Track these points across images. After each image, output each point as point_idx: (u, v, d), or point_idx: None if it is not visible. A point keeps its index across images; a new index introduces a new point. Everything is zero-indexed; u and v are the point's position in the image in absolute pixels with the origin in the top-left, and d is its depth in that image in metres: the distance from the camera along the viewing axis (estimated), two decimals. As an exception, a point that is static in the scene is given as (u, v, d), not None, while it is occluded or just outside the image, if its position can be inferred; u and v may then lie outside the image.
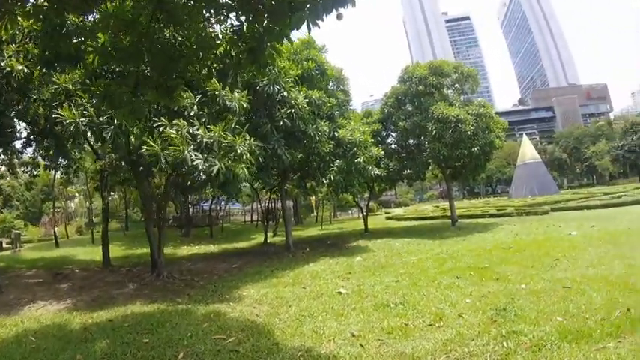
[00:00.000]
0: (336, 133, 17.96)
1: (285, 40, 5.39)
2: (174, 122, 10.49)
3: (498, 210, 33.29)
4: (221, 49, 5.56)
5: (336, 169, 17.66)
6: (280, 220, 55.03)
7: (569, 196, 41.28)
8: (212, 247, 24.13)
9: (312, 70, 18.32)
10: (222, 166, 10.32)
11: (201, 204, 44.51)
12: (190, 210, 41.89)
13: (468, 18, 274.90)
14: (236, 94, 12.18)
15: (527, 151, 56.70)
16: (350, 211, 59.57)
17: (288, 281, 12.07)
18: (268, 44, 5.28)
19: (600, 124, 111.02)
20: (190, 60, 5.73)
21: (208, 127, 10.82)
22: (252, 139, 11.98)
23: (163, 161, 10.16)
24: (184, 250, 22.97)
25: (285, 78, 15.61)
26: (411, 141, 25.52)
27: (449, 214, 27.66)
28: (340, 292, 9.79)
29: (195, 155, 10.18)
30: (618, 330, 5.94)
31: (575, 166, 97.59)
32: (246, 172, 11.75)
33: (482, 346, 5.75)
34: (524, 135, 67.06)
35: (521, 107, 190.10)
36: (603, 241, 14.17)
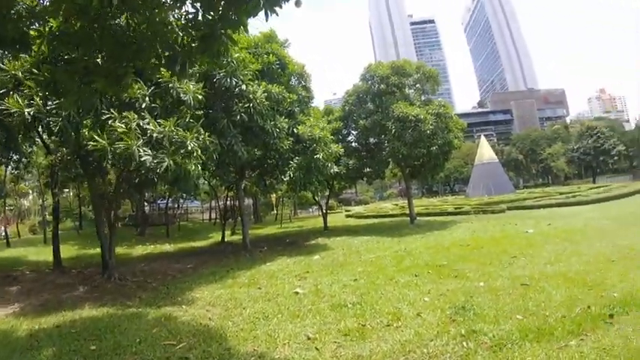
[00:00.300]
0: (295, 130, 17.67)
1: (243, 31, 5.13)
2: (124, 115, 9.93)
3: (456, 208, 33.88)
4: (173, 35, 5.26)
5: (295, 165, 17.40)
6: (239, 218, 54.93)
7: (526, 195, 42.46)
8: (168, 247, 23.55)
9: (273, 64, 17.92)
10: (172, 162, 9.89)
11: (158, 202, 43.28)
12: (147, 208, 40.78)
13: (432, 21, 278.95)
14: (191, 86, 11.73)
15: (485, 151, 57.93)
16: (310, 209, 59.49)
17: (243, 282, 11.80)
18: (222, 32, 5.05)
19: (557, 127, 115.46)
20: (141, 47, 5.41)
21: (159, 120, 10.33)
22: (206, 134, 11.61)
23: (110, 156, 9.60)
24: (139, 250, 22.30)
25: (244, 71, 15.16)
26: (371, 139, 25.57)
27: (408, 212, 27.85)
28: (297, 293, 9.63)
29: (144, 151, 9.66)
30: (580, 328, 6.01)
31: (531, 167, 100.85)
32: (199, 169, 11.30)
33: (441, 347, 5.70)
34: (482, 136, 68.51)
35: (480, 110, 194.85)
36: (560, 239, 14.56)
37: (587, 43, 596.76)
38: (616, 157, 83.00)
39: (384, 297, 8.59)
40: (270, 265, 14.52)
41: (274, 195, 40.68)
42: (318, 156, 17.26)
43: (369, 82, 24.91)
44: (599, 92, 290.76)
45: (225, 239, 24.74)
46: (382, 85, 24.32)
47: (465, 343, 5.70)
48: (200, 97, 11.94)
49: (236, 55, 14.78)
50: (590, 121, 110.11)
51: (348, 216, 42.61)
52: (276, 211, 48.56)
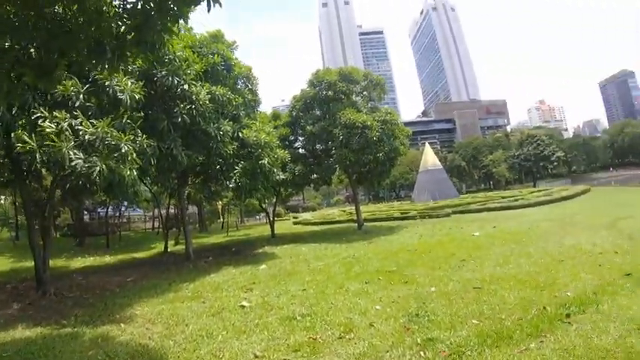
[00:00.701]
0: (240, 134, 16.96)
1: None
2: (55, 114, 9.01)
3: (402, 213, 34.03)
4: (106, 24, 4.79)
5: (239, 171, 16.70)
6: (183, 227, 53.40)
7: (470, 199, 43.22)
8: (108, 258, 22.10)
9: (218, 65, 17.11)
10: (104, 167, 9.02)
11: (98, 210, 41.18)
12: (87, 217, 38.77)
13: (381, 32, 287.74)
14: (129, 83, 10.88)
15: (429, 158, 58.98)
16: (257, 216, 58.70)
17: (186, 295, 10.96)
18: (159, 22, 4.63)
19: (498, 135, 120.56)
20: (75, 37, 4.94)
21: (92, 121, 9.43)
22: (144, 136, 10.81)
23: (40, 160, 8.68)
24: (77, 262, 20.70)
25: (187, 70, 14.26)
26: (318, 146, 25.24)
27: (355, 217, 27.68)
28: (243, 306, 8.98)
29: (75, 154, 8.77)
30: (538, 330, 5.89)
31: (473, 173, 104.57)
32: (135, 174, 10.36)
33: (397, 358, 5.38)
34: (426, 143, 69.74)
35: (424, 119, 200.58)
36: (506, 241, 14.69)
37: (529, 57, 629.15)
38: (555, 163, 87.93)
39: (335, 307, 8.16)
40: (215, 276, 13.70)
41: (220, 202, 39.63)
42: (263, 161, 16.66)
43: (317, 88, 24.61)
44: (539, 103, 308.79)
45: (169, 249, 23.57)
46: (330, 92, 24.13)
47: (422, 353, 5.41)
48: (138, 96, 10.95)
49: (179, 53, 13.93)
50: (530, 130, 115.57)
51: (295, 223, 42.23)
52: (223, 219, 47.43)
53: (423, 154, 63.15)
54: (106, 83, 10.44)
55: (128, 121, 10.55)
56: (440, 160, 65.60)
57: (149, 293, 11.54)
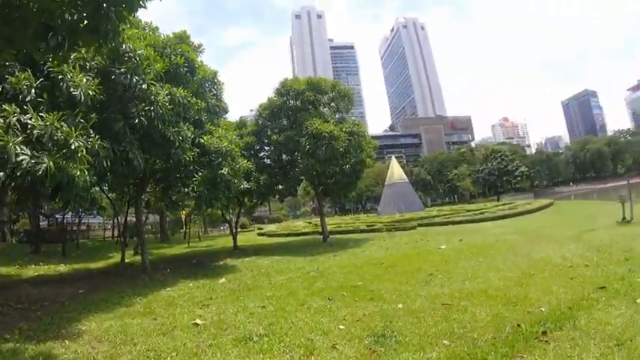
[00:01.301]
0: (201, 140, 16.02)
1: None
2: (4, 107, 8.19)
3: (368, 226, 33.74)
4: (58, 10, 4.44)
5: (199, 179, 15.82)
6: (147, 236, 51.85)
7: (435, 212, 43.23)
8: (62, 268, 20.87)
9: (181, 66, 16.07)
10: (52, 164, 8.16)
11: (56, 216, 39.35)
12: (45, 223, 36.97)
13: (352, 47, 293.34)
14: (85, 80, 10.04)
15: (395, 171, 59.17)
16: (222, 227, 57.57)
17: (138, 311, 10.06)
18: (112, 9, 4.30)
19: (463, 150, 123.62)
20: (23, 23, 4.66)
21: (42, 114, 8.61)
22: (97, 136, 9.97)
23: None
24: (30, 271, 19.42)
25: (148, 69, 13.21)
26: (284, 156, 24.59)
27: (321, 229, 27.05)
28: (196, 324, 8.20)
29: (22, 150, 7.89)
30: (514, 350, 5.49)
31: (438, 187, 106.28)
32: (86, 176, 9.42)
33: (361, 388, 4.70)
34: (392, 157, 70.12)
35: (391, 133, 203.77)
36: (474, 254, 14.31)
37: (494, 76, 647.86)
38: (519, 178, 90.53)
39: (295, 326, 7.49)
40: (171, 290, 12.79)
41: (184, 212, 38.47)
42: (223, 171, 15.85)
43: (285, 97, 24.03)
44: (503, 120, 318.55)
45: (127, 260, 22.26)
46: (297, 101, 23.68)
47: (388, 381, 4.77)
48: (93, 93, 10.07)
49: (140, 52, 12.95)
50: (494, 145, 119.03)
51: (260, 234, 41.63)
52: (186, 229, 46.13)
53: (389, 167, 63.33)
54: (60, 77, 9.62)
55: (81, 120, 9.67)
56: (406, 174, 66.00)
57: (99, 307, 10.60)
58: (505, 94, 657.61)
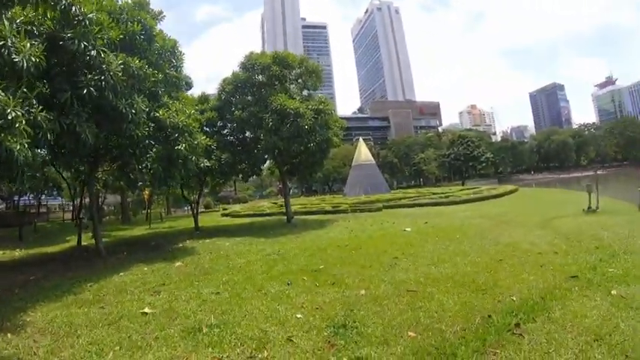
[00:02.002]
0: (156, 114, 14.73)
1: None
2: None
3: (334, 207, 33.15)
4: None
5: (153, 156, 14.78)
6: (107, 218, 50.23)
7: (401, 195, 43.01)
8: (17, 253, 19.76)
9: (138, 34, 14.71)
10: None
11: (14, 198, 37.51)
12: (3, 206, 35.17)
13: (324, 27, 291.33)
14: (28, 45, 8.98)
15: (363, 153, 58.81)
16: (186, 207, 56.08)
17: (86, 298, 9.21)
18: None
19: (430, 135, 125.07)
20: None
21: None
22: (40, 107, 8.97)
23: None
24: (-17, 257, 18.26)
25: (99, 35, 11.88)
26: (248, 133, 23.62)
27: (285, 210, 26.41)
28: (145, 313, 7.48)
29: None
30: (485, 344, 5.06)
31: (405, 170, 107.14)
32: (27, 150, 8.37)
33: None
34: (360, 138, 69.86)
35: (360, 115, 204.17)
36: (440, 238, 13.89)
37: (465, 64, 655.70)
38: (484, 164, 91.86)
39: (250, 315, 6.86)
40: (124, 275, 11.92)
41: (146, 192, 37.16)
42: (179, 147, 14.74)
43: (250, 72, 22.82)
44: (470, 107, 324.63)
45: (84, 243, 21.04)
46: (263, 76, 22.57)
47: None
48: (37, 60, 8.93)
49: (90, 15, 11.68)
50: (461, 131, 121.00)
51: (223, 215, 40.70)
52: (149, 209, 44.80)
53: (356, 148, 63.00)
54: (2, 43, 8.53)
55: (24, 90, 8.63)
56: (373, 156, 65.84)
57: (48, 295, 9.74)
58: (474, 82, 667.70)
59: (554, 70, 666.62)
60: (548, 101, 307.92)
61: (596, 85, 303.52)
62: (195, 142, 15.53)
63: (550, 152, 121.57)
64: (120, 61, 12.41)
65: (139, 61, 13.47)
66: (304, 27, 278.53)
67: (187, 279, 10.68)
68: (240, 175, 26.72)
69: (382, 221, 21.57)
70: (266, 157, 24.21)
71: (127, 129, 13.43)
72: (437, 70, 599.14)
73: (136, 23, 14.62)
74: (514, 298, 6.75)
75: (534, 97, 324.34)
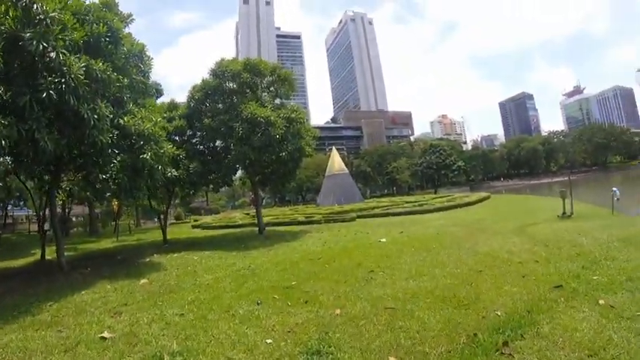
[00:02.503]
0: (121, 121, 13.92)
1: None
2: None
3: (307, 217, 32.72)
4: None
5: (118, 165, 13.89)
6: (75, 229, 48.57)
7: (375, 204, 42.77)
8: (-22, 268, 18.45)
9: (103, 36, 13.81)
10: None
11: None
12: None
13: (298, 37, 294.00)
14: None
15: (336, 162, 58.59)
16: (156, 219, 54.64)
17: (45, 320, 8.45)
18: None
19: (402, 144, 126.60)
20: None
21: None
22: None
23: None
24: (-58, 274, 17.03)
25: (61, 36, 11.10)
26: (218, 142, 22.94)
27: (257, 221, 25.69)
28: (104, 338, 6.82)
29: None
30: None
31: (378, 179, 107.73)
32: None
33: None
34: (333, 148, 69.61)
35: (333, 125, 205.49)
36: (416, 248, 13.41)
37: (436, 74, 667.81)
38: (456, 172, 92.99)
39: (216, 340, 6.25)
40: (85, 293, 11.10)
41: (115, 203, 35.89)
42: (144, 156, 13.98)
43: (220, 79, 22.13)
44: (441, 117, 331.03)
45: (48, 257, 19.75)
46: (234, 84, 21.93)
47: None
48: None
49: (53, 14, 10.86)
50: (432, 140, 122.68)
51: (194, 226, 39.75)
52: (117, 221, 43.39)
53: (329, 158, 62.71)
54: None
55: None
56: (346, 166, 65.76)
57: (5, 316, 8.96)
58: (446, 92, 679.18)
59: (524, 80, 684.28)
60: (518, 110, 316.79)
61: (564, 94, 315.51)
62: (162, 151, 14.80)
63: (520, 159, 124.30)
64: (83, 64, 11.70)
65: (104, 65, 12.71)
66: (278, 36, 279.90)
67: (151, 298, 9.98)
68: (211, 186, 25.95)
69: (356, 231, 21.12)
70: (238, 166, 23.47)
71: (90, 135, 12.57)
72: (409, 80, 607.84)
73: (102, 25, 13.76)
74: (499, 313, 6.35)
75: (504, 106, 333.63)
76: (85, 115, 12.00)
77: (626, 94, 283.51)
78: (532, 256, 10.74)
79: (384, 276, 9.66)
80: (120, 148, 14.21)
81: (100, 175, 14.57)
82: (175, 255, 18.19)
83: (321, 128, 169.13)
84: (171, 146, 15.68)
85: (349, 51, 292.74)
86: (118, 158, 13.96)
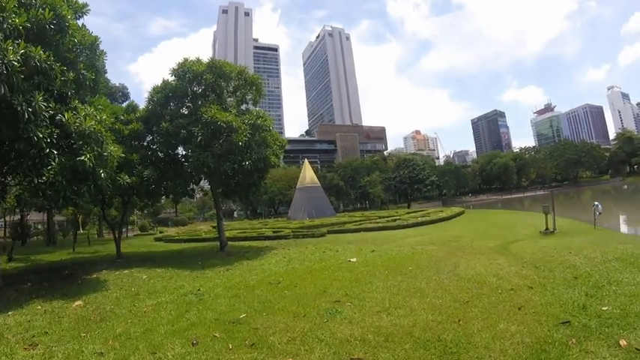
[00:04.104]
0: (62, 118, 12.01)
1: None
2: None
3: (275, 232, 31.23)
4: None
5: (55, 168, 11.92)
6: (34, 238, 45.77)
7: (346, 218, 41.67)
8: None
9: (47, 22, 12.18)
10: None
11: None
12: None
13: (276, 49, 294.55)
14: None
15: (307, 175, 57.26)
16: (124, 229, 52.24)
17: None
18: None
19: (376, 158, 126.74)
20: None
21: None
22: None
23: None
24: None
25: None
26: (180, 148, 21.20)
27: (219, 236, 23.95)
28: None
29: None
30: None
31: (350, 192, 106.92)
32: None
33: None
34: (305, 160, 68.15)
35: (308, 138, 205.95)
36: (390, 270, 11.81)
37: (410, 91, 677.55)
38: (429, 186, 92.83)
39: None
40: (11, 315, 9.68)
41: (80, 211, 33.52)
42: (82, 158, 11.99)
43: (182, 80, 20.17)
44: (415, 133, 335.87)
45: None
46: (198, 87, 20.29)
47: None
48: None
49: None
50: (405, 155, 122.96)
51: (157, 239, 37.81)
52: (78, 230, 40.91)
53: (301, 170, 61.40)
54: None
55: None
56: (319, 179, 64.54)
57: None
58: (419, 108, 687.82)
59: (495, 99, 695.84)
60: (490, 127, 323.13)
61: (535, 112, 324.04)
62: (105, 153, 12.97)
63: (492, 175, 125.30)
64: (21, 50, 10.46)
65: (45, 54, 11.33)
66: (256, 48, 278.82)
67: (77, 327, 8.46)
68: (171, 196, 23.99)
69: (325, 249, 19.51)
70: (201, 176, 21.70)
71: (25, 130, 11.04)
72: (383, 96, 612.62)
73: (47, 10, 12.19)
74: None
75: (476, 124, 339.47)
76: (19, 108, 10.63)
77: (596, 112, 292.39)
78: (523, 280, 9.35)
79: (352, 308, 8.01)
80: (59, 149, 12.37)
81: (35, 178, 12.58)
82: (125, 272, 16.64)
83: (296, 141, 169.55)
84: (116, 148, 13.74)
85: (325, 65, 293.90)
86: (57, 160, 12.06)
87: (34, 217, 48.87)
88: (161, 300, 10.62)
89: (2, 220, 41.17)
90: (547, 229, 18.62)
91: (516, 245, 15.46)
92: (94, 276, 16.25)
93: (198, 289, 11.54)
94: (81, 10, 14.35)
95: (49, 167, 11.97)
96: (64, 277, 16.38)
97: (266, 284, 11.41)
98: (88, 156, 12.09)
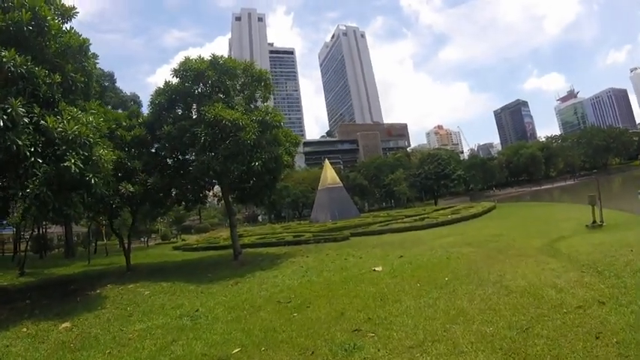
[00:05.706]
0: (45, 122, 10.72)
1: None
2: None
3: (295, 236, 29.39)
4: None
5: (41, 177, 10.71)
6: (56, 251, 45.12)
7: (371, 219, 39.52)
8: None
9: (24, 24, 11.15)
10: None
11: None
12: None
13: (291, 52, 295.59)
14: None
15: (329, 175, 55.47)
16: (143, 238, 51.57)
17: None
18: None
19: (399, 155, 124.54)
20: None
21: None
22: None
23: None
24: None
25: None
26: (188, 154, 19.83)
27: (232, 243, 22.17)
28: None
29: None
30: None
31: (375, 191, 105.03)
32: None
33: None
34: (326, 160, 66.43)
35: (329, 139, 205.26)
36: (422, 282, 9.94)
37: (430, 85, 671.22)
38: (456, 181, 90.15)
39: None
40: None
41: (102, 221, 32.39)
42: (67, 164, 10.63)
43: (184, 80, 18.50)
44: (437, 128, 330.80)
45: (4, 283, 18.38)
46: (205, 87, 18.78)
47: None
48: None
49: None
50: (429, 150, 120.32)
51: (175, 248, 36.68)
52: (94, 241, 40.11)
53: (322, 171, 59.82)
54: None
55: None
56: (341, 179, 62.73)
57: None
58: (440, 103, 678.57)
59: (516, 88, 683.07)
60: (513, 118, 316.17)
61: (558, 100, 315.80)
62: (94, 157, 11.57)
63: (519, 166, 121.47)
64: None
65: (21, 57, 10.46)
66: (271, 52, 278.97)
67: (55, 355, 7.71)
68: (183, 203, 22.50)
69: (347, 255, 17.67)
70: (212, 181, 20.54)
71: (4, 140, 9.98)
72: (403, 91, 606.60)
73: (24, 11, 11.19)
74: None
75: (499, 115, 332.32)
76: (-3, 115, 9.63)
77: (621, 96, 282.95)
78: (590, 292, 7.46)
79: (375, 341, 6.20)
80: (46, 157, 11.26)
81: (19, 191, 11.21)
82: (130, 286, 15.59)
83: (317, 143, 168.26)
84: (107, 152, 12.28)
85: (342, 65, 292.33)
86: (42, 169, 10.82)
87: (57, 229, 48.30)
88: (152, 324, 9.27)
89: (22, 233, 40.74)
90: (594, 222, 16.63)
91: (565, 243, 13.43)
92: (97, 291, 15.28)
93: (197, 310, 10.11)
94: (68, 14, 13.40)
95: (34, 178, 10.70)
96: (68, 293, 15.51)
97: (274, 303, 9.79)
98: (73, 161, 10.73)
